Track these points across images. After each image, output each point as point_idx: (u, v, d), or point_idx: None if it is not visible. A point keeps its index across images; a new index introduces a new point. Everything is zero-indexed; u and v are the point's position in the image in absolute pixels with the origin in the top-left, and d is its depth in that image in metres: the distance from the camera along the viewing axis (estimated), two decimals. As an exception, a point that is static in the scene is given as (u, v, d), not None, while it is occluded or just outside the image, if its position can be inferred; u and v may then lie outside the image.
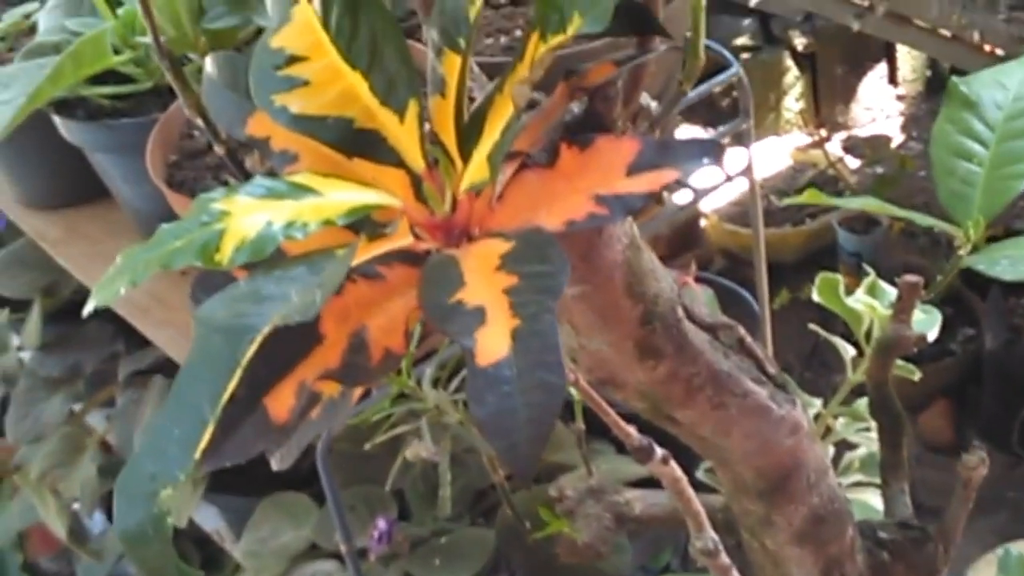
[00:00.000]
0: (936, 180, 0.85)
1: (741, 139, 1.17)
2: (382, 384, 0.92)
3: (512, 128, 0.56)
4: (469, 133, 0.59)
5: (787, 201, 0.82)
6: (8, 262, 1.50)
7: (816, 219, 2.56)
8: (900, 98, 2.91)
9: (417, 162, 0.59)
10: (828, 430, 1.11)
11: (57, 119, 1.03)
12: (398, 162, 0.60)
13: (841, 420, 1.11)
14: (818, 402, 1.12)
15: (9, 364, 1.50)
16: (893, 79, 2.90)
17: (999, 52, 1.76)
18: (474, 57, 0.98)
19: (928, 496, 1.95)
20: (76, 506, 1.61)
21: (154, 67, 0.97)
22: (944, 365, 2.16)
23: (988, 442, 2.20)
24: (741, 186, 1.33)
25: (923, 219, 0.80)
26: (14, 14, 1.20)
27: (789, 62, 2.81)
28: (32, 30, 1.14)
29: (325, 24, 0.59)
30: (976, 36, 1.76)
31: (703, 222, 2.51)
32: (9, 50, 1.19)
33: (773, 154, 2.78)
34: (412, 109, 0.59)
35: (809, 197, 0.82)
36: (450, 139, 0.59)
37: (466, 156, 0.59)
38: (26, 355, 1.51)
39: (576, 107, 0.64)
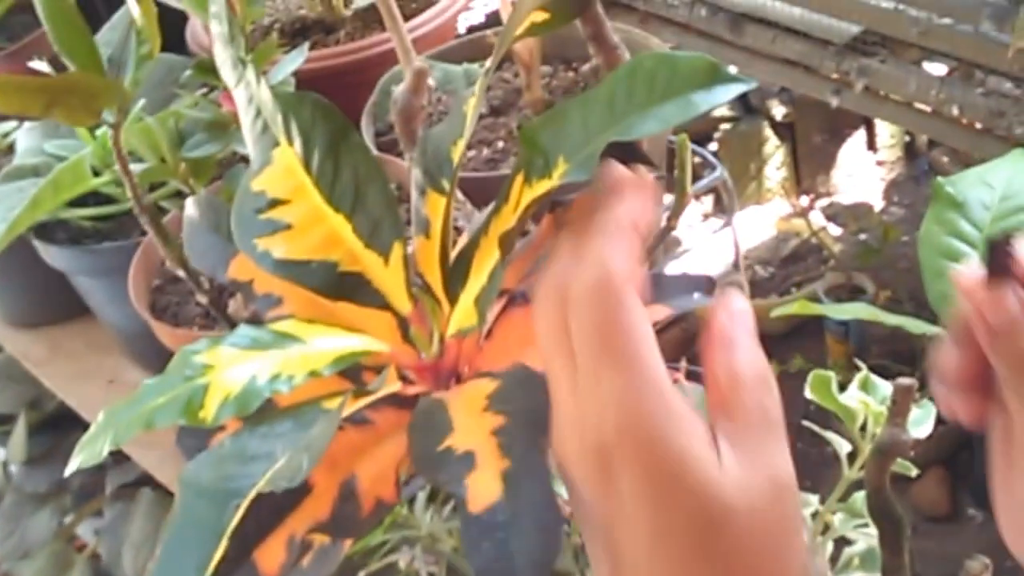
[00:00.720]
0: (925, 282, 0.84)
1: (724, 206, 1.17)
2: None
3: (499, 273, 0.55)
4: (455, 275, 0.58)
5: (777, 312, 0.82)
6: (-8, 376, 1.49)
7: (802, 289, 2.56)
8: (880, 163, 2.93)
9: (403, 305, 0.59)
10: (826, 527, 1.10)
11: (38, 244, 1.02)
12: (384, 305, 0.59)
13: (839, 516, 1.10)
14: (815, 499, 1.11)
15: (-6, 479, 1.49)
16: (872, 145, 2.91)
17: (977, 125, 1.76)
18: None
19: (926, 567, 1.93)
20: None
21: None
22: (937, 434, 2.14)
23: (984, 511, 2.19)
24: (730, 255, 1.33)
25: (916, 326, 0.79)
26: (-8, 133, 1.19)
27: (768, 132, 2.82)
28: (10, 149, 1.12)
29: (307, 167, 0.59)
30: (955, 111, 1.76)
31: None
32: (-12, 170, 1.19)
33: (756, 224, 2.78)
34: (397, 251, 0.58)
35: (799, 308, 0.81)
36: (436, 281, 0.58)
37: (453, 299, 0.58)
38: (12, 469, 1.50)
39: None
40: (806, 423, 1.12)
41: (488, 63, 0.58)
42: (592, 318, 0.40)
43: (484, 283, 0.55)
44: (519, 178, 0.56)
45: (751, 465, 0.40)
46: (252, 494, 0.49)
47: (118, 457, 1.47)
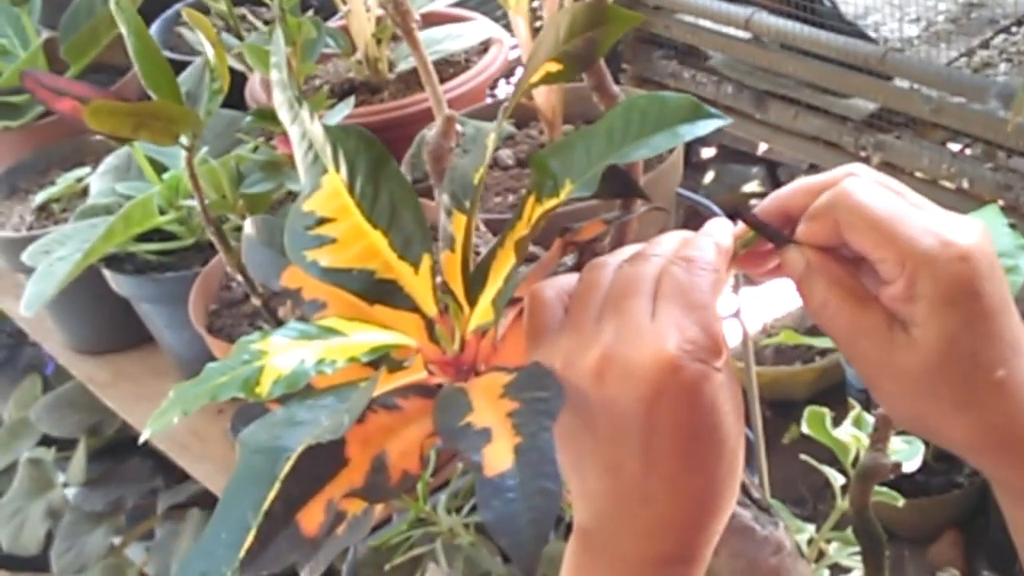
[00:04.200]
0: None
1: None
2: (402, 510, 1.00)
3: (513, 277, 0.64)
4: (475, 282, 0.67)
5: (766, 342, 0.91)
6: (56, 404, 1.59)
7: (826, 357, 2.63)
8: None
9: (430, 308, 0.68)
10: (821, 554, 1.18)
11: (107, 273, 1.13)
12: (414, 308, 0.68)
13: (834, 545, 1.17)
14: (811, 527, 1.19)
15: (55, 500, 1.59)
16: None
17: (1001, 203, 1.83)
18: (483, 214, 1.08)
19: (941, 628, 1.98)
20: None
21: (195, 225, 1.07)
22: (952, 497, 2.22)
23: (998, 573, 2.24)
24: (752, 326, 1.42)
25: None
26: (68, 178, 1.31)
27: (797, 207, 2.90)
28: (84, 193, 1.24)
29: (350, 190, 0.68)
30: (966, 184, 1.85)
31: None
32: (63, 211, 1.31)
33: (785, 293, 2.86)
34: (426, 262, 0.67)
35: (785, 337, 0.90)
36: (458, 287, 0.68)
37: (473, 302, 0.67)
38: (71, 491, 1.60)
39: (569, 260, 0.73)
40: (804, 456, 1.20)
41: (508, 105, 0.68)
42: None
43: (500, 286, 0.65)
44: (531, 198, 0.66)
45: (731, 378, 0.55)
46: (301, 448, 0.58)
47: (170, 480, 1.58)
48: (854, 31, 1.95)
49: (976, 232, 0.54)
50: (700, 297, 0.54)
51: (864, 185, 0.55)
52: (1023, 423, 0.54)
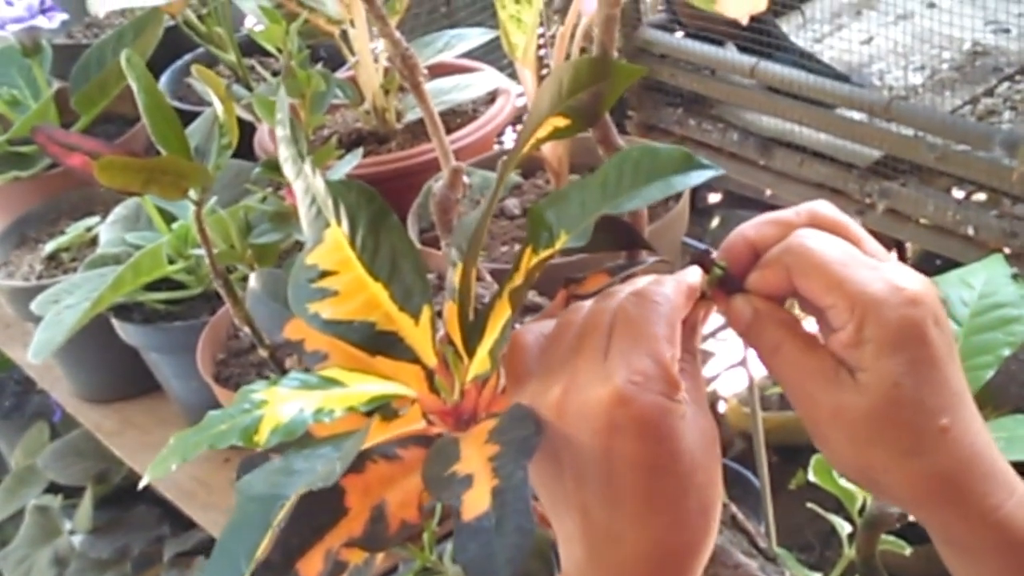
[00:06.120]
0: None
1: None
2: (408, 560, 1.00)
3: (509, 326, 0.65)
4: (473, 332, 0.67)
5: (772, 389, 0.91)
6: (63, 452, 1.60)
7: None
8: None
9: (430, 359, 0.68)
10: (828, 604, 1.17)
11: (116, 322, 1.14)
12: (414, 359, 0.68)
13: (840, 594, 1.17)
14: (818, 575, 1.19)
15: (62, 547, 1.59)
16: (902, 261, 2.99)
17: (1006, 250, 1.84)
18: (490, 264, 1.09)
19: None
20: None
21: (203, 274, 1.08)
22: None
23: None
24: (757, 371, 1.42)
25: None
26: (77, 227, 1.32)
27: (803, 251, 2.90)
28: (93, 242, 1.25)
29: (352, 243, 0.69)
30: (971, 231, 1.85)
31: (723, 406, 2.58)
32: (72, 260, 1.32)
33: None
34: (426, 313, 0.68)
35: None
36: (458, 338, 0.69)
37: (471, 352, 0.68)
38: (77, 539, 1.60)
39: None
40: (810, 504, 1.20)
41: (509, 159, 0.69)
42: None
43: (497, 335, 0.66)
44: (528, 250, 0.66)
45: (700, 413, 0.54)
46: (295, 496, 0.59)
47: (176, 528, 1.58)
48: (806, 55, 1.98)
49: (924, 280, 0.54)
50: (649, 329, 0.54)
51: (815, 234, 0.56)
52: (964, 473, 0.53)
